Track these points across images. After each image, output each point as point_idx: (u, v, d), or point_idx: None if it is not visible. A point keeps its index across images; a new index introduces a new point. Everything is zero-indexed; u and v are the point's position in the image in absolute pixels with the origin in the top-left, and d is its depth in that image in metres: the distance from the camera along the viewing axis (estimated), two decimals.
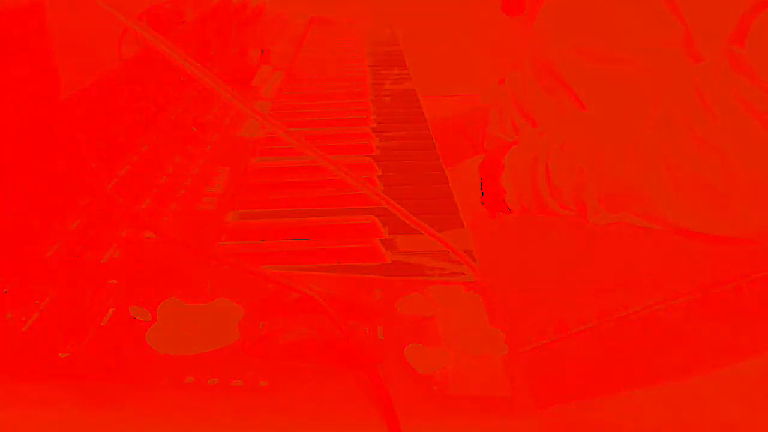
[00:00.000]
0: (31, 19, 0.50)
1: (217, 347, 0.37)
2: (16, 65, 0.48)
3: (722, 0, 0.63)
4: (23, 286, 0.42)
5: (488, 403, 0.34)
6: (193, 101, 0.82)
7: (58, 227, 0.50)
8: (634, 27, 0.70)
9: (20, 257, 0.45)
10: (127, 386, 0.34)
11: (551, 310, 0.67)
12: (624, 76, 0.72)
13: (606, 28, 0.73)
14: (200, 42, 0.96)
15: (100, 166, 0.59)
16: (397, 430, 0.32)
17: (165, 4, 0.81)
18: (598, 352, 0.67)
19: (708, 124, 0.59)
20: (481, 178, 0.79)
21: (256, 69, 0.97)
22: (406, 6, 2.53)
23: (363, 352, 0.35)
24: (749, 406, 0.69)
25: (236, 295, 0.41)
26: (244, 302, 0.41)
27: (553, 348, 0.66)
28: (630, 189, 0.65)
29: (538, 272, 0.69)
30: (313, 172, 0.63)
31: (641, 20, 0.70)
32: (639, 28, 0.70)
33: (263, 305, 0.40)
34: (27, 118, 0.49)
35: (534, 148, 0.74)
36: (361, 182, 0.42)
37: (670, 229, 0.65)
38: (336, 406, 0.34)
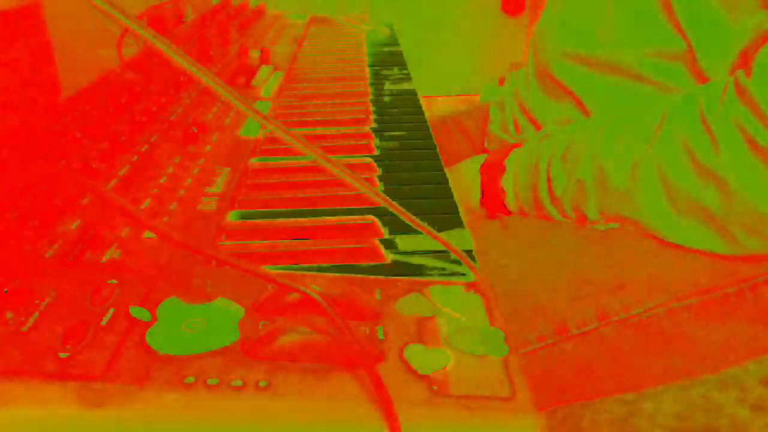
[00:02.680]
0: (31, 19, 0.50)
1: (217, 347, 0.37)
2: (16, 65, 0.48)
3: (726, 24, 0.63)
4: (23, 286, 0.42)
5: (488, 403, 0.34)
6: (193, 101, 0.82)
7: (58, 227, 0.50)
8: (636, 38, 0.70)
9: (20, 257, 0.45)
10: (127, 386, 0.34)
11: (551, 310, 0.67)
12: (626, 87, 0.72)
13: (609, 36, 0.72)
14: (200, 42, 0.96)
15: (100, 166, 0.59)
16: (397, 429, 0.32)
17: (165, 4, 0.81)
18: (598, 353, 0.67)
19: (708, 148, 0.58)
20: (482, 179, 0.79)
21: (256, 69, 0.97)
22: (406, 6, 2.53)
23: (363, 352, 0.35)
24: (749, 406, 0.69)
25: (236, 295, 0.41)
26: (244, 302, 0.41)
27: (553, 348, 0.66)
28: (629, 206, 0.65)
29: (539, 272, 0.69)
30: (313, 172, 0.63)
31: (643, 33, 0.69)
32: (641, 40, 0.69)
33: (263, 305, 0.40)
34: (27, 118, 0.49)
35: (535, 154, 0.74)
36: (361, 182, 0.42)
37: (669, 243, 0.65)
38: (336, 406, 0.34)
